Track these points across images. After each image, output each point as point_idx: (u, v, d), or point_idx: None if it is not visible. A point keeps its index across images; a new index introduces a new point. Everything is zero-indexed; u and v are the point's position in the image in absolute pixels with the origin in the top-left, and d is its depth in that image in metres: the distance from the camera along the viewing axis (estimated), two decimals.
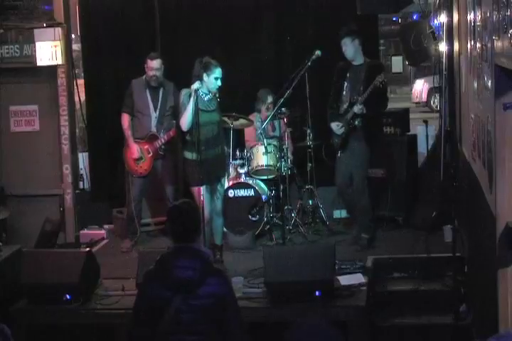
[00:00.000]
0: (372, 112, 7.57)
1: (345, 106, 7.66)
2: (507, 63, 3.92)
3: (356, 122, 7.58)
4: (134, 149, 7.99)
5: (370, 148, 7.65)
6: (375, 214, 8.16)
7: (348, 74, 7.67)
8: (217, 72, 7.00)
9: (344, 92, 7.68)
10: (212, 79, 6.97)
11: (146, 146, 8.02)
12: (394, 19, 21.52)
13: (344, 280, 6.37)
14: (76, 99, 9.26)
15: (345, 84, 7.68)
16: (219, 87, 7.04)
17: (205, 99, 7.06)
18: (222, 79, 7.07)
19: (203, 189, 6.95)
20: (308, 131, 8.36)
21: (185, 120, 6.98)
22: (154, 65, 7.93)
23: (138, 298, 4.48)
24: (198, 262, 4.30)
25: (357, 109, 7.48)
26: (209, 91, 7.05)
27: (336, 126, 7.68)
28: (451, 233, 6.82)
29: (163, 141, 7.98)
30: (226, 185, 7.61)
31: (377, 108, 7.64)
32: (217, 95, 7.11)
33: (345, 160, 7.73)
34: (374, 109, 7.56)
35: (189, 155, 7.08)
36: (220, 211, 7.28)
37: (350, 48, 7.59)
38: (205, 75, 6.96)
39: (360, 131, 7.61)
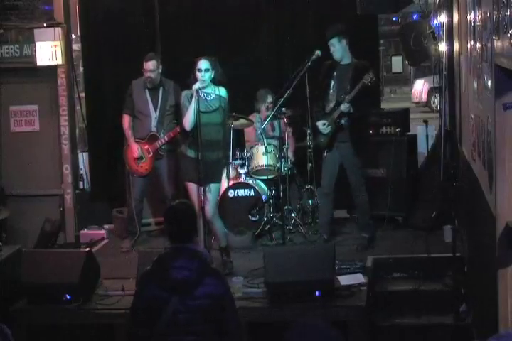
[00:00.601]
0: (359, 112, 7.51)
1: (331, 104, 7.61)
2: (507, 63, 3.92)
3: (343, 121, 7.54)
4: (135, 148, 8.00)
5: (357, 148, 7.60)
6: (374, 214, 8.18)
7: (335, 73, 7.62)
8: (200, 63, 6.89)
9: (331, 91, 7.63)
10: (197, 72, 6.91)
11: (146, 146, 8.02)
12: (394, 19, 21.50)
13: (344, 280, 6.37)
14: (76, 99, 9.26)
15: (332, 83, 7.63)
16: (205, 80, 6.88)
17: (208, 99, 7.01)
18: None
19: (196, 188, 6.91)
20: (308, 131, 8.35)
21: (187, 120, 6.95)
22: (149, 67, 7.91)
23: (135, 299, 4.48)
24: (195, 262, 4.31)
25: (344, 107, 7.43)
26: (211, 91, 7.00)
27: (322, 126, 7.63)
28: (451, 233, 6.83)
29: (163, 141, 7.98)
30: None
31: (364, 108, 7.58)
32: (217, 92, 7.02)
33: (333, 161, 7.69)
34: (360, 109, 7.50)
35: (189, 152, 7.05)
36: (211, 217, 7.09)
37: (338, 49, 7.54)
38: (195, 72, 6.95)
39: (346, 131, 7.57)
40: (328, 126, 7.60)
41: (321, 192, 7.92)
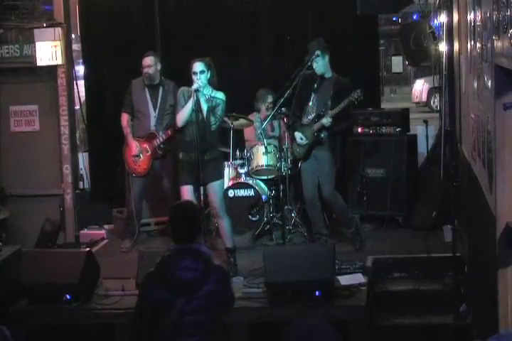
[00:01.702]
0: (339, 128, 7.51)
1: (310, 117, 7.59)
2: (507, 63, 3.92)
3: (322, 135, 7.51)
4: (133, 146, 8.02)
5: (334, 157, 7.60)
6: (374, 214, 8.17)
7: (315, 86, 7.61)
8: (194, 66, 6.89)
9: (310, 103, 7.61)
10: (192, 76, 6.90)
11: (144, 145, 8.03)
12: (394, 19, 21.48)
13: (344, 280, 6.37)
14: (76, 99, 9.26)
15: (313, 95, 7.61)
16: (202, 81, 6.85)
17: (202, 100, 7.00)
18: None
19: (188, 189, 6.92)
20: None
21: (181, 117, 6.98)
22: (146, 62, 7.94)
23: (139, 300, 4.45)
24: (199, 263, 4.29)
25: (326, 121, 7.40)
26: (207, 93, 6.99)
27: (300, 139, 7.63)
28: (451, 233, 6.83)
29: (161, 139, 7.98)
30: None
31: (344, 124, 7.57)
32: (212, 94, 6.98)
33: (311, 170, 7.66)
34: (340, 125, 7.50)
35: (180, 155, 7.09)
36: (219, 213, 7.13)
37: (321, 64, 7.52)
38: (191, 75, 6.95)
39: (325, 141, 7.56)
40: (306, 138, 7.59)
41: (308, 204, 7.81)
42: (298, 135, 7.65)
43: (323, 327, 2.93)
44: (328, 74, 7.61)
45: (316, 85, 7.61)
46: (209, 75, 6.94)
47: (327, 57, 7.54)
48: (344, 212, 7.78)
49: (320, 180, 7.63)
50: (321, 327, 2.93)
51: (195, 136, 6.86)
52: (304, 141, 7.61)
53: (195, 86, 6.87)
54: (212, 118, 6.98)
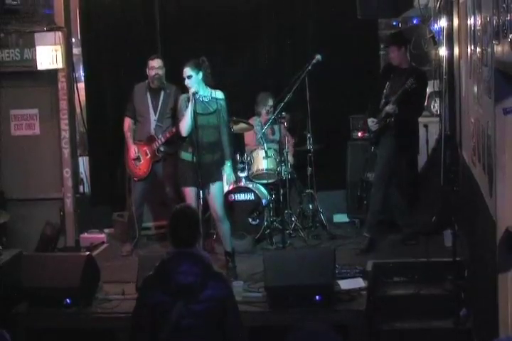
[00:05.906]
0: (404, 114, 7.60)
1: (382, 103, 7.77)
2: (507, 68, 3.93)
3: (388, 121, 7.65)
4: (132, 149, 8.04)
5: (400, 147, 7.69)
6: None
7: (391, 75, 7.82)
8: (184, 72, 6.95)
9: (385, 91, 7.80)
10: (185, 81, 6.96)
11: (144, 148, 8.05)
12: (394, 24, 21.48)
13: (344, 284, 6.38)
14: (76, 103, 9.26)
15: (388, 83, 7.81)
16: (195, 83, 6.91)
17: (205, 101, 7.02)
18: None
19: (193, 193, 6.91)
20: (309, 135, 8.36)
21: (184, 125, 6.97)
22: (155, 64, 7.96)
23: (138, 304, 4.44)
24: (198, 267, 4.29)
25: (389, 108, 7.59)
26: (207, 94, 7.01)
27: (371, 122, 7.79)
28: (451, 237, 6.82)
29: (160, 142, 7.98)
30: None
31: (407, 112, 7.63)
32: (213, 94, 7.03)
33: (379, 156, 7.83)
34: (403, 113, 7.59)
35: (185, 155, 7.08)
36: (220, 217, 7.16)
37: (396, 56, 7.75)
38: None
39: (393, 129, 7.67)
40: (376, 123, 7.74)
41: (373, 189, 7.90)
42: (370, 120, 7.81)
43: (323, 331, 2.94)
44: (405, 66, 7.80)
45: (392, 74, 7.82)
46: (200, 75, 6.96)
47: (403, 50, 7.74)
48: (375, 211, 7.81)
49: (378, 159, 7.80)
50: (321, 329, 2.94)
51: (199, 139, 6.86)
52: (375, 126, 7.74)
53: (192, 90, 6.89)
54: (221, 121, 7.08)
